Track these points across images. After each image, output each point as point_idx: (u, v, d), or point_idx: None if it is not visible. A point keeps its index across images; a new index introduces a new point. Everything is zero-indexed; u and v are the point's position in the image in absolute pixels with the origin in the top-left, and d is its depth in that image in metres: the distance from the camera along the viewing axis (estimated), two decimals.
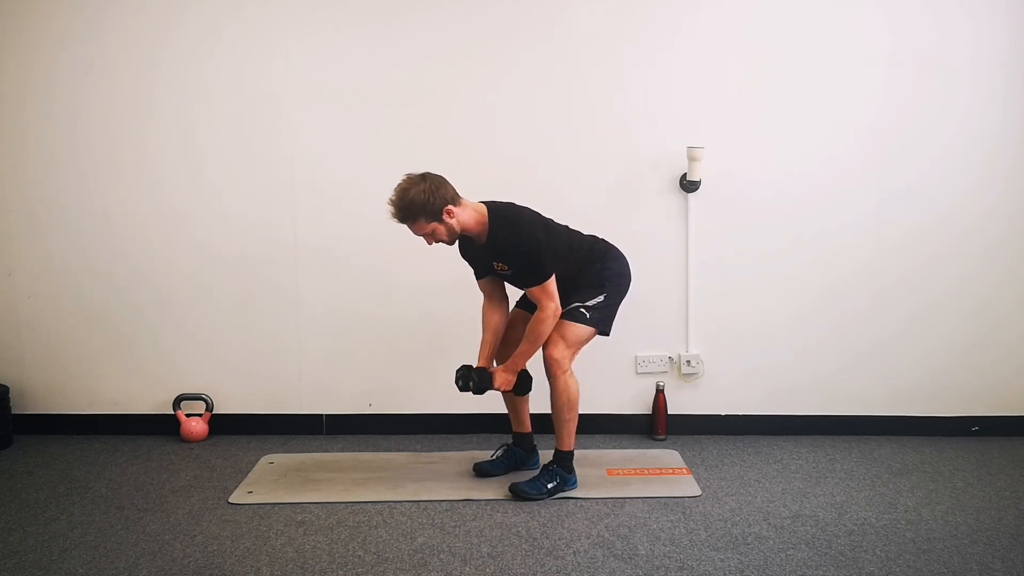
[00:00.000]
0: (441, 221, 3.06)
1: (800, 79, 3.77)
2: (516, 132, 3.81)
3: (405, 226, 3.11)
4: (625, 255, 3.34)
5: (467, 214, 3.11)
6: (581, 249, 3.28)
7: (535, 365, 3.26)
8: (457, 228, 3.10)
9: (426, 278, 3.85)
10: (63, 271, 3.92)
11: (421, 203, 3.02)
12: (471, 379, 3.26)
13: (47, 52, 3.80)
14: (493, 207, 3.17)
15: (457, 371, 3.30)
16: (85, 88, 3.82)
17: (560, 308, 3.15)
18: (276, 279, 3.91)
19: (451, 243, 3.19)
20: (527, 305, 3.35)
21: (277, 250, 3.89)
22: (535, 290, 3.13)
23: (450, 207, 3.06)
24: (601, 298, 3.23)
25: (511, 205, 3.20)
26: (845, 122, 3.79)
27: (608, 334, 3.29)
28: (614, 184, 3.82)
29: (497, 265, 3.20)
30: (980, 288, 3.86)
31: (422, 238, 3.13)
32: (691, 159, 3.69)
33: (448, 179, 3.10)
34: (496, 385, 3.25)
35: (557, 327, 3.17)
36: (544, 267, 3.11)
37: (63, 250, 3.91)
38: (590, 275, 3.25)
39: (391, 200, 3.06)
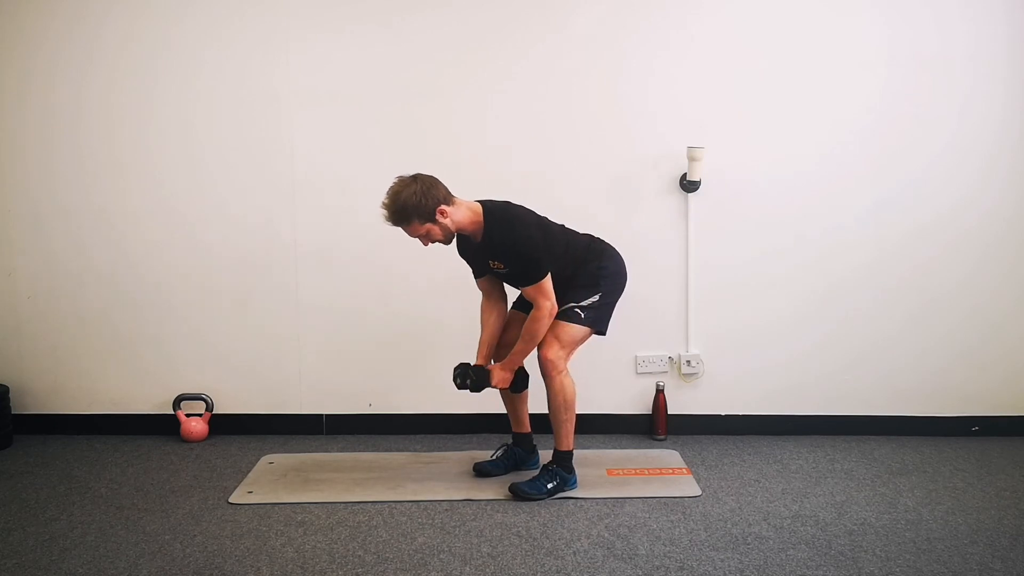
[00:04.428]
0: (435, 222, 3.06)
1: (800, 79, 3.77)
2: (517, 132, 3.81)
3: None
4: (621, 254, 3.34)
5: (461, 213, 3.11)
6: (577, 249, 3.27)
7: (532, 364, 3.26)
8: (452, 227, 3.10)
9: (426, 278, 3.85)
10: (63, 271, 3.92)
11: (414, 205, 3.02)
12: (468, 376, 3.26)
13: (47, 52, 3.81)
14: (488, 206, 3.17)
15: (455, 369, 3.31)
16: (85, 88, 3.82)
17: (556, 307, 3.15)
18: (276, 279, 3.91)
19: (447, 243, 3.19)
20: (524, 306, 3.35)
21: (277, 250, 3.89)
22: (530, 289, 3.14)
23: (443, 207, 3.06)
24: (596, 298, 3.22)
25: (507, 204, 3.20)
26: (845, 122, 3.79)
27: (604, 333, 3.28)
28: (614, 184, 3.83)
29: (493, 263, 3.21)
30: (980, 288, 3.86)
31: (418, 240, 3.13)
32: (691, 159, 3.69)
33: (441, 179, 3.09)
34: (493, 383, 3.26)
35: (552, 327, 3.17)
36: (539, 266, 3.11)
37: (63, 250, 3.91)
38: (585, 274, 3.24)
39: (384, 203, 3.06)
